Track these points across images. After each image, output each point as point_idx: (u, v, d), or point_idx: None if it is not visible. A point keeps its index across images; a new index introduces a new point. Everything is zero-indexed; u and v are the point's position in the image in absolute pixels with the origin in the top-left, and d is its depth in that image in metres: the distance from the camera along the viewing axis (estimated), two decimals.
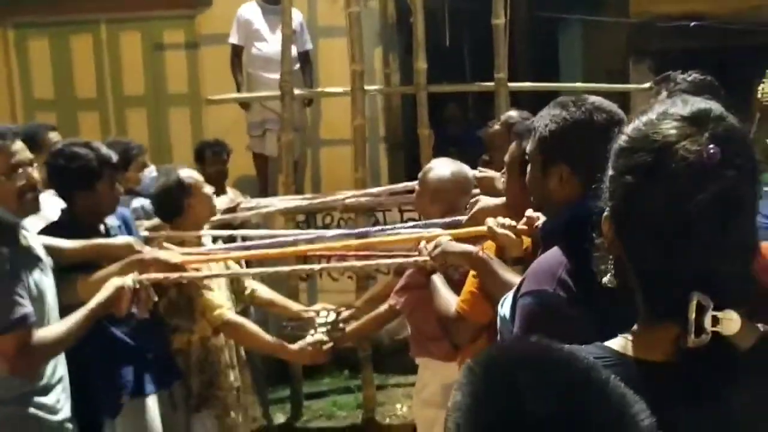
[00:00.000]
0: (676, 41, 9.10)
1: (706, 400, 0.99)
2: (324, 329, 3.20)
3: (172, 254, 2.81)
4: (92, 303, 2.39)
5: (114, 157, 2.91)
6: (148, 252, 2.73)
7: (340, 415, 5.10)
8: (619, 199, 1.06)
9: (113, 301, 2.44)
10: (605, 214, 1.09)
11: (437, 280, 2.62)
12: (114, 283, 2.45)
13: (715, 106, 1.05)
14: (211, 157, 5.09)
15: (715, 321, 0.98)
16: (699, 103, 1.05)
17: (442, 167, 3.06)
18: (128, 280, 2.50)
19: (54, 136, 3.74)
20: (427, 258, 2.55)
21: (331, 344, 3.16)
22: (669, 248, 1.01)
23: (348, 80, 4.88)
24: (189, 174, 3.20)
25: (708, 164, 0.99)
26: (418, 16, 4.77)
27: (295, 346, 3.15)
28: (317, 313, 3.31)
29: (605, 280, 1.11)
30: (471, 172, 3.13)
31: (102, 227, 2.92)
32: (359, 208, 4.60)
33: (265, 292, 3.52)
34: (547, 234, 1.77)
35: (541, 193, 1.78)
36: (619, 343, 1.07)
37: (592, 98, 1.79)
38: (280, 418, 5.04)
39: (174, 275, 2.73)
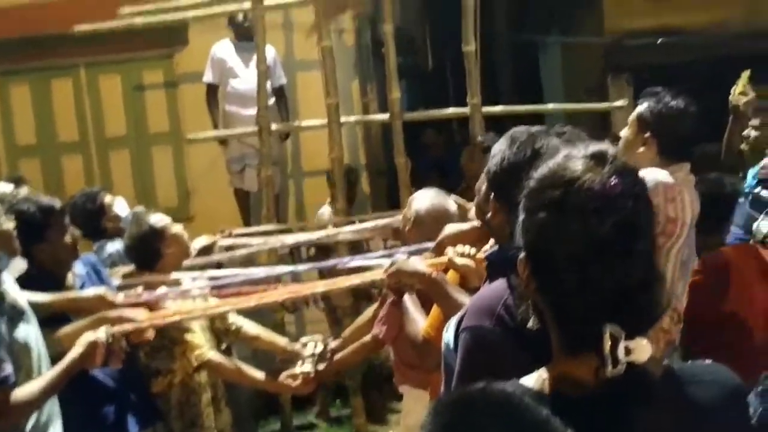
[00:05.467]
0: (651, 56, 9.24)
1: (626, 428, 1.04)
2: (311, 360, 3.22)
3: (139, 312, 2.79)
4: (66, 360, 2.40)
5: (57, 204, 2.90)
6: (116, 312, 2.71)
7: None
8: (532, 237, 1.13)
9: (87, 357, 2.45)
10: (520, 256, 1.15)
11: (409, 303, 2.63)
12: (87, 338, 2.46)
13: (611, 148, 1.16)
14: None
15: (628, 350, 1.03)
16: (598, 145, 1.16)
17: (422, 199, 3.09)
18: (101, 333, 2.50)
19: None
20: (383, 277, 2.55)
21: (317, 374, 3.18)
22: (581, 278, 1.07)
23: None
24: (159, 219, 3.23)
25: (611, 193, 1.07)
26: (390, 46, 4.85)
27: (280, 378, 3.17)
28: (304, 345, 3.33)
29: (529, 324, 1.16)
30: (453, 204, 3.16)
31: (70, 277, 2.93)
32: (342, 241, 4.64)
33: (251, 327, 3.53)
34: (492, 266, 1.81)
35: (489, 225, 1.83)
36: (536, 379, 1.11)
37: (542, 136, 1.84)
38: None
39: (146, 323, 2.72)
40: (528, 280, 1.14)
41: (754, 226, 3.65)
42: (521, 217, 1.15)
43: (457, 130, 8.59)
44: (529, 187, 1.15)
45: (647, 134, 2.58)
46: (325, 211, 5.45)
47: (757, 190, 3.87)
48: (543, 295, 1.13)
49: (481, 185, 2.21)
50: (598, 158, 1.12)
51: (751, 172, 3.96)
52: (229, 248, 4.24)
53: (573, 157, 1.13)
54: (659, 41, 8.83)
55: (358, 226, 4.59)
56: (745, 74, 4.27)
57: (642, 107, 2.63)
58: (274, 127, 5.18)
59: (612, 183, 1.08)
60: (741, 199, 4.10)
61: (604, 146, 1.15)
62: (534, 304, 1.16)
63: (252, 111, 5.19)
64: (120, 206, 4.16)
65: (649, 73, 9.80)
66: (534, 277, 1.13)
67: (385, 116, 5.23)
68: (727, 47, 9.18)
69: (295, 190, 6.51)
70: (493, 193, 1.80)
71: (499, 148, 1.85)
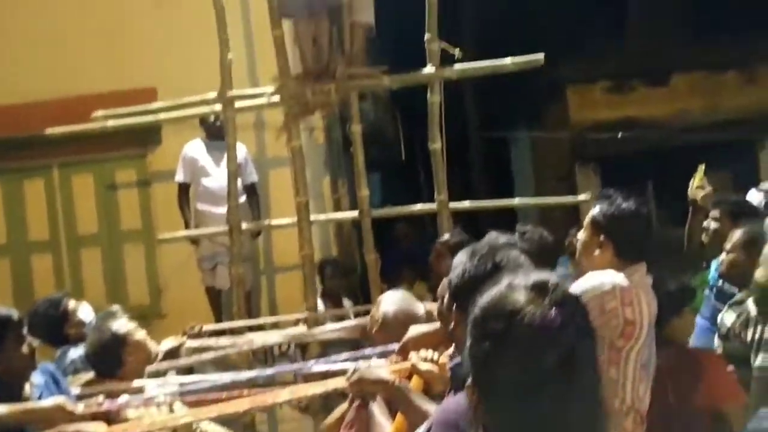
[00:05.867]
0: (615, 146, 9.54)
1: None
2: None
3: (99, 427, 2.73)
4: None
5: (14, 315, 2.87)
6: (73, 426, 2.65)
7: None
8: (478, 365, 1.15)
9: None
10: (468, 382, 1.18)
11: (375, 407, 2.60)
12: None
13: (553, 276, 1.20)
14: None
15: None
16: (540, 275, 1.20)
17: (389, 301, 3.09)
18: None
19: None
20: (345, 385, 2.53)
21: None
22: (524, 408, 1.10)
23: None
24: (121, 325, 3.20)
25: (551, 326, 1.10)
26: (358, 146, 4.94)
27: None
28: None
29: None
30: (420, 307, 3.17)
31: (27, 388, 2.87)
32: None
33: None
34: (455, 377, 1.82)
35: (452, 334, 1.85)
36: None
37: (502, 249, 1.89)
38: None
39: None
40: (476, 405, 1.17)
41: (719, 318, 3.70)
42: (468, 343, 1.18)
43: (428, 221, 8.69)
44: (474, 316, 1.18)
45: (602, 237, 2.64)
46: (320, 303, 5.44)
47: (719, 283, 3.94)
48: (491, 420, 1.15)
49: (444, 293, 2.24)
50: (540, 289, 1.16)
51: (714, 264, 4.04)
52: (196, 350, 4.19)
53: (515, 287, 1.16)
54: (620, 133, 9.12)
55: (329, 325, 4.59)
56: (701, 168, 4.41)
57: (595, 211, 2.70)
58: (244, 226, 5.21)
59: (552, 315, 1.11)
60: (707, 291, 4.16)
61: (546, 276, 1.20)
62: (484, 427, 1.18)
63: (223, 209, 5.23)
64: (84, 312, 4.10)
65: (614, 162, 10.15)
66: (481, 402, 1.16)
67: (354, 213, 5.29)
68: (687, 136, 9.53)
69: (268, 286, 6.50)
70: (454, 305, 1.84)
71: (461, 260, 1.90)
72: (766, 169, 9.90)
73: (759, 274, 3.26)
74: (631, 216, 2.62)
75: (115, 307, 3.63)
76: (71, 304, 4.08)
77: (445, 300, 1.93)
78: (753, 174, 9.56)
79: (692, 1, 11.06)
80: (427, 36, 4.74)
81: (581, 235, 2.75)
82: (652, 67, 10.11)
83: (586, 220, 2.73)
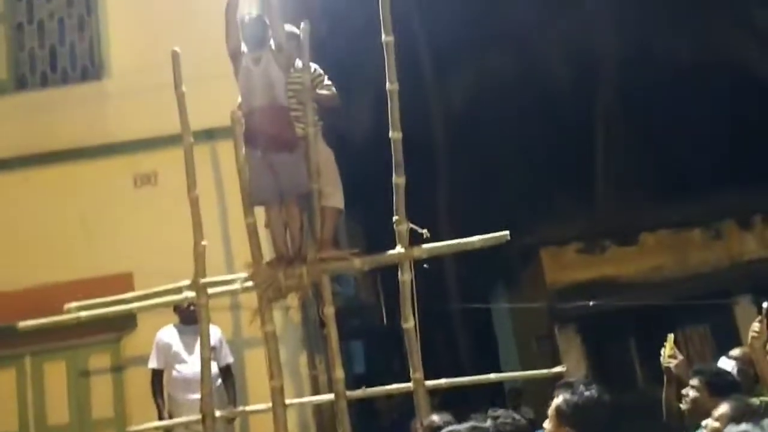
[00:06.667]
0: (591, 305, 9.63)
1: None
2: None
3: None
4: None
5: None
6: None
7: None
8: None
9: None
10: None
11: None
12: None
13: None
14: None
15: None
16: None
17: None
18: None
19: None
20: None
21: None
22: None
23: None
24: None
25: None
26: (331, 328, 4.94)
27: None
28: None
29: None
30: None
31: None
32: None
33: None
34: None
35: None
36: None
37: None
38: None
39: None
40: None
41: None
42: None
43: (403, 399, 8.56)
44: None
45: (567, 428, 2.63)
46: None
47: None
48: None
49: None
50: None
51: None
52: None
53: None
54: (595, 294, 9.26)
55: None
56: (670, 337, 4.45)
57: (558, 400, 2.71)
58: (218, 413, 5.09)
59: None
60: None
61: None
62: None
63: (197, 396, 5.12)
64: None
65: (593, 321, 10.21)
66: None
67: (330, 396, 5.21)
68: (662, 293, 9.66)
69: None
70: None
71: None
72: (743, 322, 9.99)
73: None
74: (594, 404, 2.63)
75: None
76: None
77: None
78: (730, 328, 9.62)
79: (656, 164, 11.62)
80: (395, 218, 4.89)
81: (547, 425, 2.73)
82: (621, 227, 10.43)
83: (551, 410, 2.73)
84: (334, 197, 4.99)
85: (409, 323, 4.99)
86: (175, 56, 4.84)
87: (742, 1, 12.68)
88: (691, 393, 4.17)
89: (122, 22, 7.39)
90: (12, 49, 7.52)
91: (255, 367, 6.29)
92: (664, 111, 11.86)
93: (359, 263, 5.00)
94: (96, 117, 7.14)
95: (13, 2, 7.66)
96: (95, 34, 7.44)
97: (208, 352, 5.10)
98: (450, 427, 2.94)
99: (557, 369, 5.16)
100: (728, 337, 8.76)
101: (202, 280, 4.96)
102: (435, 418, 4.21)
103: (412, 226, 4.90)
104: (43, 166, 6.97)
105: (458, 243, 5.02)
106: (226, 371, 5.93)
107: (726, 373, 4.38)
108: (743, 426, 2.23)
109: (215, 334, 5.63)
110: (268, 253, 5.06)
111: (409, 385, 5.00)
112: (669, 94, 11.76)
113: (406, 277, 4.95)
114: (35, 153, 7.00)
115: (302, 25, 4.99)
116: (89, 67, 7.49)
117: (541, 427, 5.27)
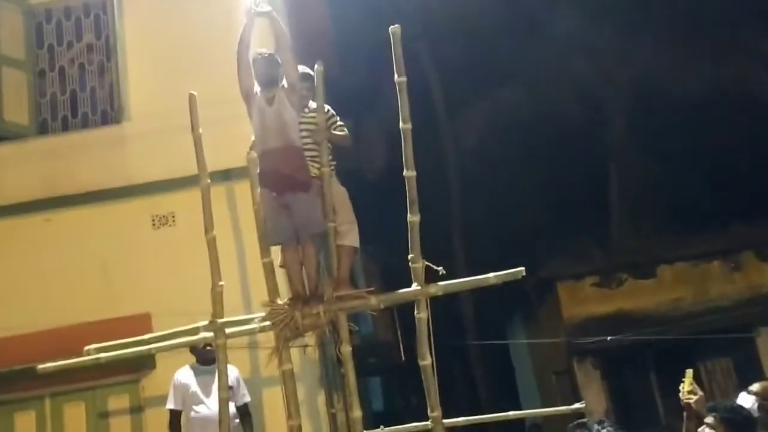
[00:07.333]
0: (610, 339, 9.54)
1: None
2: None
3: None
4: None
5: None
6: None
7: None
8: None
9: None
10: None
11: None
12: None
13: None
14: None
15: None
16: None
17: None
18: None
19: None
20: None
21: None
22: None
23: None
24: None
25: None
26: (348, 367, 4.94)
27: None
28: None
29: None
30: None
31: None
32: None
33: None
34: None
35: None
36: None
37: None
38: None
39: None
40: None
41: None
42: None
43: None
44: None
45: None
46: None
47: None
48: None
49: None
50: None
51: None
52: None
53: None
54: (614, 325, 9.19)
55: None
56: (689, 373, 4.40)
57: None
58: None
59: None
60: None
61: None
62: None
63: None
64: None
65: (612, 356, 10.10)
66: None
67: None
68: (682, 326, 9.56)
69: None
70: None
71: None
72: (766, 354, 9.85)
73: None
74: None
75: None
76: None
77: None
78: (753, 361, 9.49)
79: (673, 196, 11.58)
80: (410, 255, 4.91)
81: None
82: (638, 260, 10.36)
83: None
84: (350, 236, 5.01)
85: (426, 361, 4.97)
86: (192, 99, 4.92)
87: (757, 34, 12.74)
88: (707, 431, 4.15)
89: (141, 67, 7.55)
90: (34, 95, 7.70)
91: (273, 405, 6.27)
92: (681, 143, 11.86)
93: (375, 301, 5.00)
94: (115, 160, 7.27)
95: (36, 50, 7.86)
96: (115, 79, 7.61)
97: (227, 393, 5.10)
98: None
99: (576, 406, 5.11)
100: (751, 371, 8.65)
101: (220, 321, 4.98)
102: None
103: (427, 263, 4.91)
104: (63, 209, 7.09)
105: (474, 280, 5.01)
106: (243, 410, 5.92)
107: (741, 409, 4.35)
108: None
109: (232, 373, 5.63)
110: (285, 292, 5.08)
111: (428, 423, 4.97)
112: (684, 126, 11.78)
113: (422, 314, 4.94)
114: (56, 196, 7.12)
115: (316, 66, 5.06)
116: (109, 112, 7.64)
117: None
